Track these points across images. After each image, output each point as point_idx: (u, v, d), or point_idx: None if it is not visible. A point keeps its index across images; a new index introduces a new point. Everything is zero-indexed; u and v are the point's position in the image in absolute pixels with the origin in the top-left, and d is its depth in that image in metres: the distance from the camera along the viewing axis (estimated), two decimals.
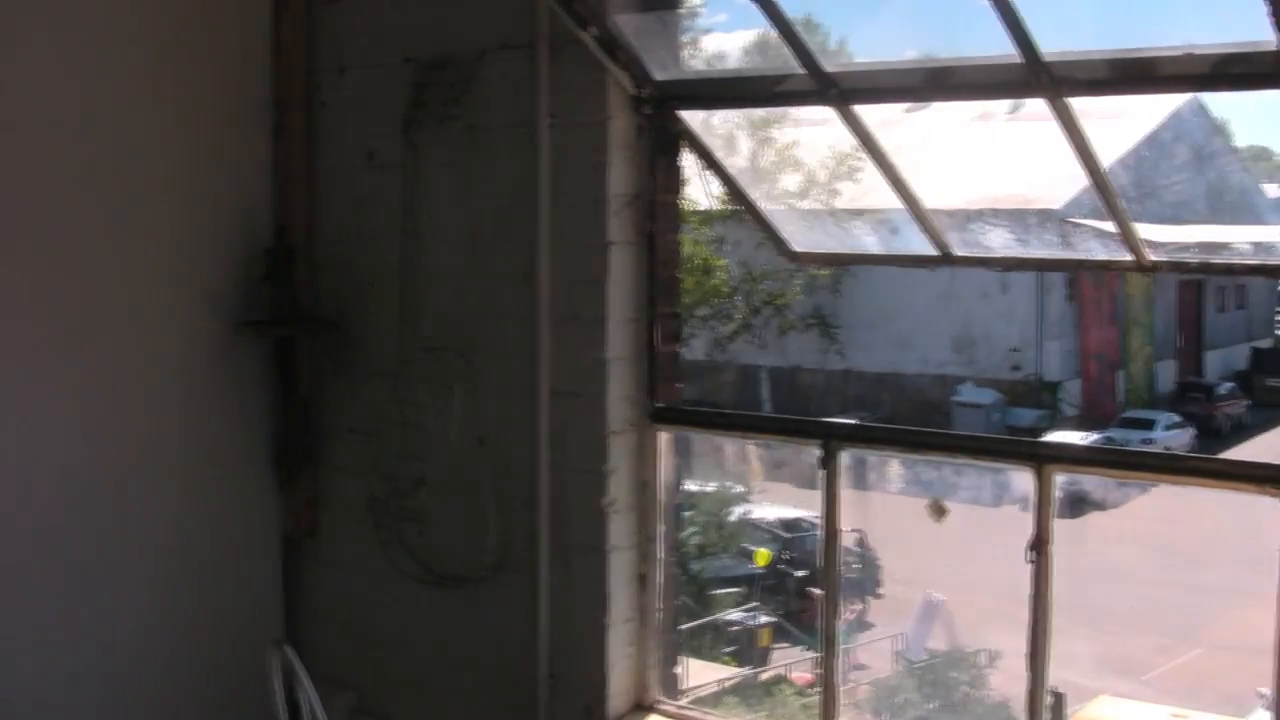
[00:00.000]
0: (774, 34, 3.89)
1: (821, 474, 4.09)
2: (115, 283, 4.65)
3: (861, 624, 12.03)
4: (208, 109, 4.83)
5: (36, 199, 4.44)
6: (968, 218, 4.20)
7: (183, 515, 4.83)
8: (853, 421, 4.38)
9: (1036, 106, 3.57)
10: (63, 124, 4.49)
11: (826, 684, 4.16)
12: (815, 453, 4.10)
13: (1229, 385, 26.10)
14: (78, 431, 4.59)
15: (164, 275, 4.74)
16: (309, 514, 5.06)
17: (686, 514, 8.85)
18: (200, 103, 4.81)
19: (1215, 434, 23.66)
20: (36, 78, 4.43)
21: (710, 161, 4.37)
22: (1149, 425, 23.20)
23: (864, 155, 4.07)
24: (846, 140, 4.08)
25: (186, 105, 4.77)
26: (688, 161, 4.47)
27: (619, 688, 4.35)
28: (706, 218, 10.87)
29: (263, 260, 4.88)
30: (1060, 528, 3.79)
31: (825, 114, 4.10)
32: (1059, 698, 3.80)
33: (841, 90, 3.88)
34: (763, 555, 10.04)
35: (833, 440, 4.09)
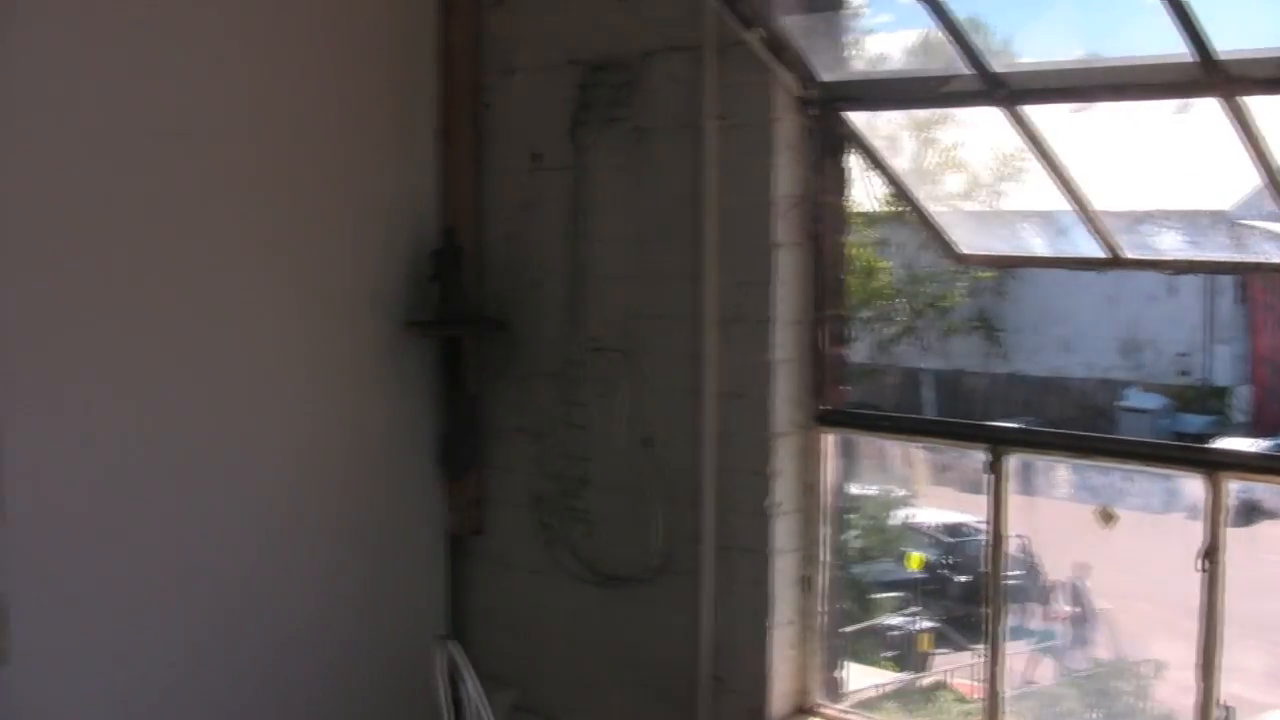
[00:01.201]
0: (937, 34, 3.85)
1: (988, 478, 4.05)
2: (288, 284, 4.78)
3: (1025, 630, 11.91)
4: (377, 112, 4.94)
5: (212, 201, 4.59)
6: (1137, 219, 4.13)
7: (352, 512, 4.95)
8: (1019, 425, 4.33)
9: (1205, 105, 3.49)
10: (238, 128, 4.63)
11: (990, 691, 4.11)
12: (981, 457, 4.07)
13: None
14: (251, 431, 4.72)
15: (334, 276, 4.85)
16: (475, 513, 5.14)
17: (848, 517, 8.80)
18: (370, 106, 4.91)
19: None
20: (212, 84, 4.58)
21: (875, 162, 4.35)
22: None
23: (1029, 156, 4.02)
24: (1010, 140, 4.03)
25: (357, 109, 4.88)
26: (851, 163, 4.43)
27: (781, 690, 4.36)
28: (870, 219, 10.82)
29: (431, 261, 4.96)
30: (1231, 536, 3.69)
31: (989, 114, 4.04)
32: (1229, 711, 3.71)
33: (1010, 91, 3.85)
34: (915, 559, 9.97)
35: (1000, 445, 4.06)
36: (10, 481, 4.11)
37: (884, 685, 4.75)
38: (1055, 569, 12.88)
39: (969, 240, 4.37)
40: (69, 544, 4.30)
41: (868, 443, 4.56)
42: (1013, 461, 4.09)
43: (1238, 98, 3.46)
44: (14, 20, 4.10)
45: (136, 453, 4.46)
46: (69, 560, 4.30)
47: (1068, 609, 11.82)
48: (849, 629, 4.59)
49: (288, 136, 4.73)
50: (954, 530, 11.02)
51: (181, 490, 4.54)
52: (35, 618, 4.20)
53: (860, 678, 4.63)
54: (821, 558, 4.37)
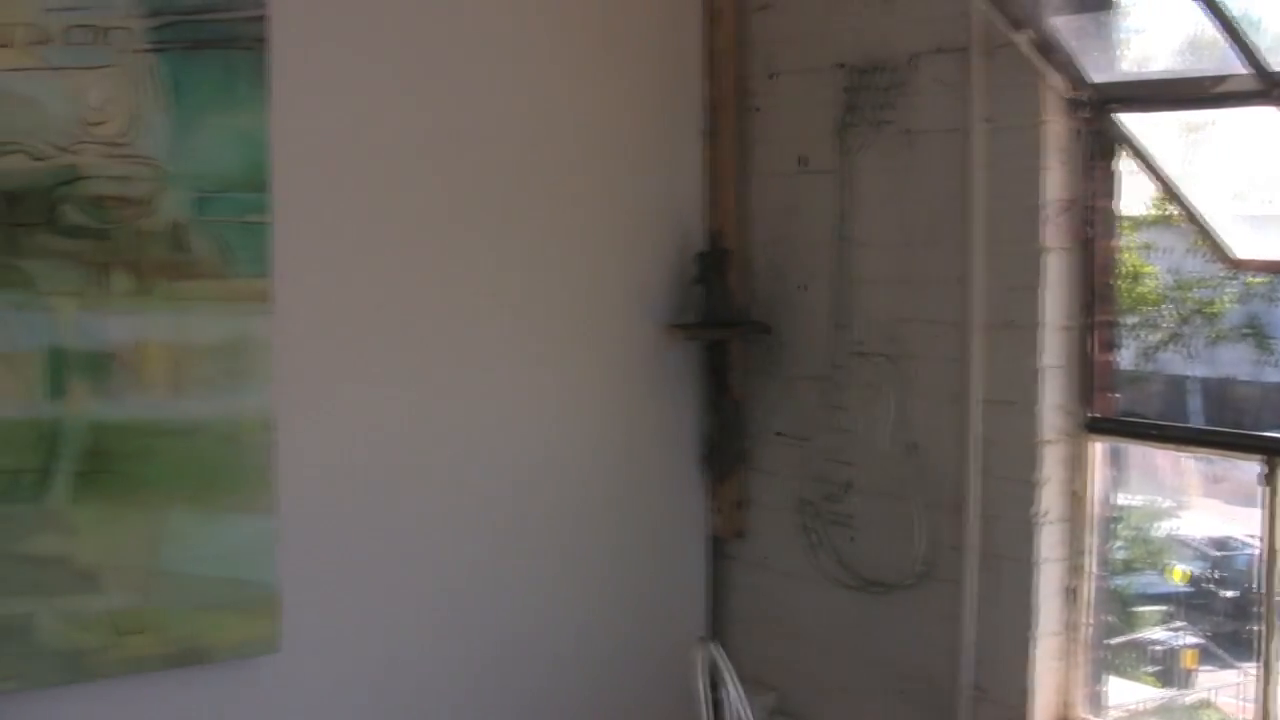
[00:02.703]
0: (1207, 32, 3.75)
1: (1263, 491, 3.94)
2: (556, 286, 4.94)
3: None
4: (645, 116, 5.05)
5: (485, 204, 4.79)
6: None
7: (616, 513, 5.10)
8: None
9: None
10: (511, 133, 4.82)
11: (1261, 712, 3.99)
12: (1255, 469, 3.95)
13: None
14: (515, 431, 4.88)
15: (600, 278, 4.99)
16: (738, 515, 5.18)
17: (1113, 527, 8.60)
18: (637, 110, 5.03)
19: None
20: (487, 90, 4.77)
21: (1146, 165, 4.26)
22: None
23: None
24: None
25: (625, 113, 5.00)
26: (1120, 166, 4.35)
27: (1044, 702, 4.32)
28: (1135, 223, 10.53)
29: (696, 264, 5.01)
30: None
31: (1266, 114, 3.92)
32: None
33: None
34: (1179, 573, 9.66)
35: (1277, 456, 3.93)
36: (284, 476, 4.32)
37: (1146, 701, 4.63)
38: None
39: (1244, 244, 4.26)
40: (335, 537, 4.52)
41: (1134, 451, 4.46)
42: None
43: None
44: (302, 34, 4.33)
45: (403, 450, 4.66)
46: (335, 553, 4.53)
47: None
48: (1112, 642, 4.51)
49: (558, 140, 4.90)
50: (1222, 544, 10.65)
51: (447, 490, 4.74)
52: (303, 608, 4.40)
53: (1122, 693, 4.53)
54: (1088, 568, 4.32)
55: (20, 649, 3.97)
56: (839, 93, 4.67)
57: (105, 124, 3.99)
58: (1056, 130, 4.22)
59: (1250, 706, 4.09)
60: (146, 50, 4.03)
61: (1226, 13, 3.70)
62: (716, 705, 4.14)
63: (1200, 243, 4.37)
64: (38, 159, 3.90)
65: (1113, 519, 4.43)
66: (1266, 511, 3.99)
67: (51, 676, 4.03)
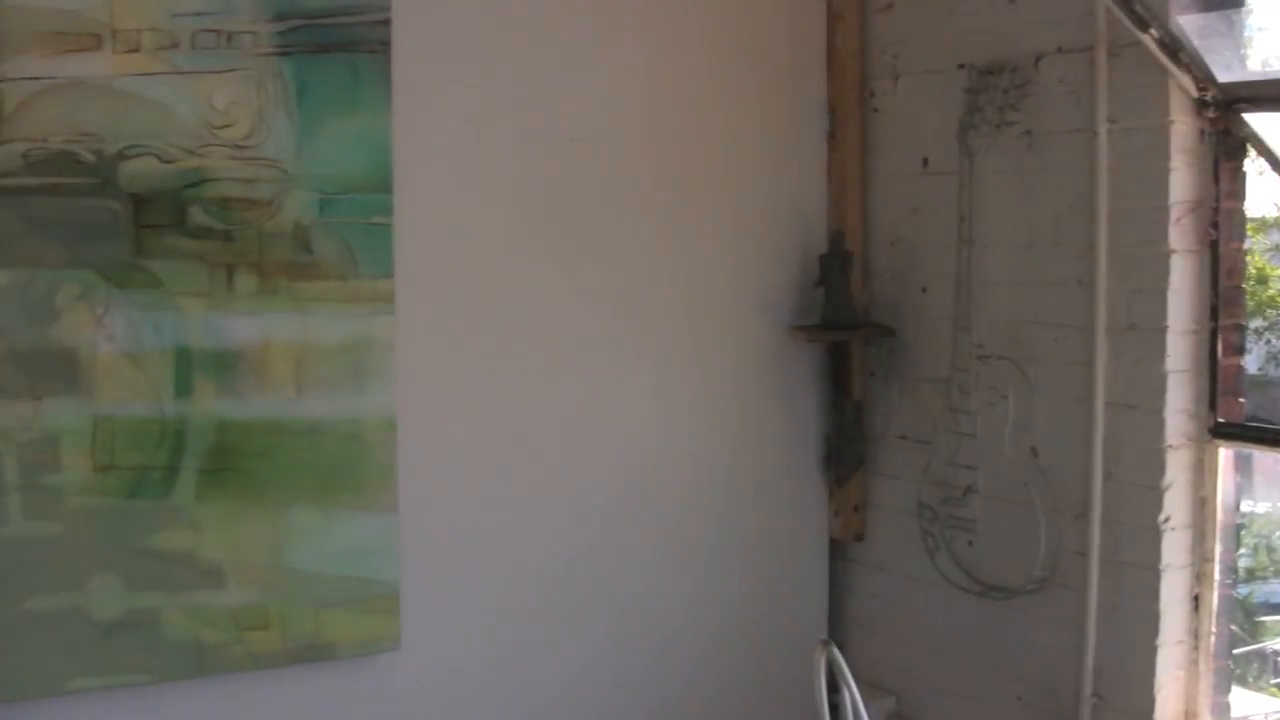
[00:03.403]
0: None
1: None
2: (677, 286, 4.98)
3: None
4: (766, 118, 5.06)
5: (606, 205, 4.84)
6: None
7: (735, 515, 5.12)
8: None
9: None
10: (633, 134, 4.87)
11: None
12: None
13: None
14: (635, 432, 4.92)
15: (722, 279, 5.00)
16: (857, 518, 5.16)
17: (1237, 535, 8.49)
18: (759, 111, 5.04)
19: None
20: (608, 91, 4.83)
21: (1274, 165, 4.18)
22: None
23: None
24: None
25: (746, 114, 5.02)
26: (1248, 167, 4.28)
27: (1166, 712, 4.28)
28: (1261, 225, 10.37)
29: (817, 265, 4.99)
30: None
31: None
32: None
33: None
34: None
35: None
36: (404, 475, 4.39)
37: (1272, 713, 4.55)
38: None
39: None
40: (454, 536, 4.60)
41: (1260, 457, 4.38)
42: None
43: None
44: (425, 37, 4.41)
45: (521, 450, 4.72)
46: (454, 551, 4.60)
47: None
48: (1236, 651, 4.43)
49: (681, 143, 4.94)
50: None
51: (565, 489, 4.80)
52: (423, 606, 4.48)
53: (1247, 703, 4.45)
54: (1213, 576, 4.27)
55: (147, 643, 4.08)
56: (961, 94, 4.63)
57: (231, 127, 4.07)
58: (1182, 131, 4.17)
59: None
60: (272, 54, 4.10)
61: None
62: (834, 709, 4.12)
63: None
64: (166, 162, 3.99)
65: (1238, 526, 4.36)
66: None
67: (177, 670, 4.13)
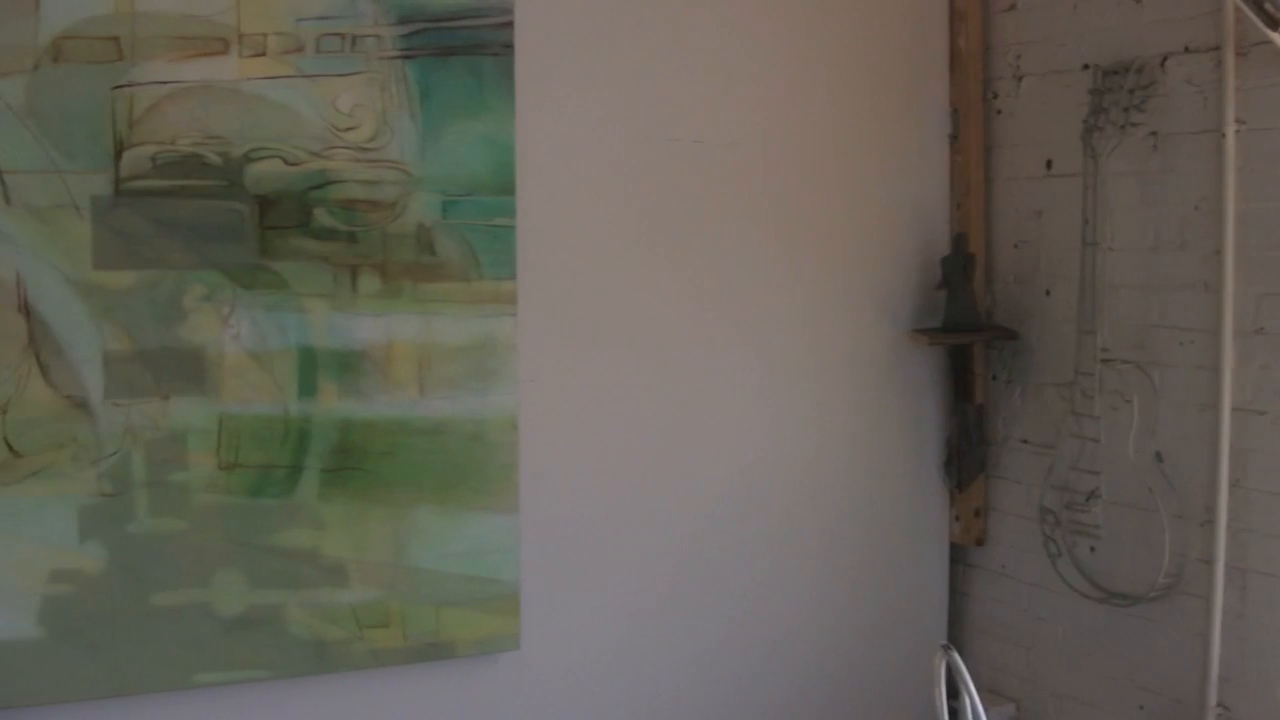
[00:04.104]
0: None
1: None
2: (797, 288, 4.98)
3: None
4: (888, 119, 5.06)
5: (725, 207, 4.84)
6: None
7: (855, 518, 5.13)
8: None
9: None
10: (752, 136, 4.86)
11: None
12: None
13: None
14: (755, 434, 4.92)
15: (843, 281, 5.01)
16: (978, 523, 5.13)
17: None
18: (881, 113, 5.04)
19: None
20: (728, 94, 4.83)
21: None
22: None
23: None
24: None
25: (868, 116, 5.03)
26: None
27: None
28: None
29: (939, 268, 4.95)
30: None
31: None
32: None
33: None
34: None
35: None
36: (526, 476, 4.44)
37: None
38: None
39: None
40: (573, 536, 4.64)
41: None
42: None
43: None
44: (548, 39, 4.46)
45: (640, 452, 4.75)
46: (572, 551, 4.64)
47: None
48: None
49: (802, 144, 4.95)
50: None
51: (684, 492, 4.83)
52: (542, 605, 4.53)
53: None
54: None
55: (270, 639, 4.15)
56: (1085, 94, 4.59)
57: (355, 129, 4.12)
58: None
59: None
60: (396, 57, 4.15)
61: None
62: (954, 715, 4.08)
63: None
64: (291, 164, 4.04)
65: None
66: None
67: (299, 667, 4.20)
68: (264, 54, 4.02)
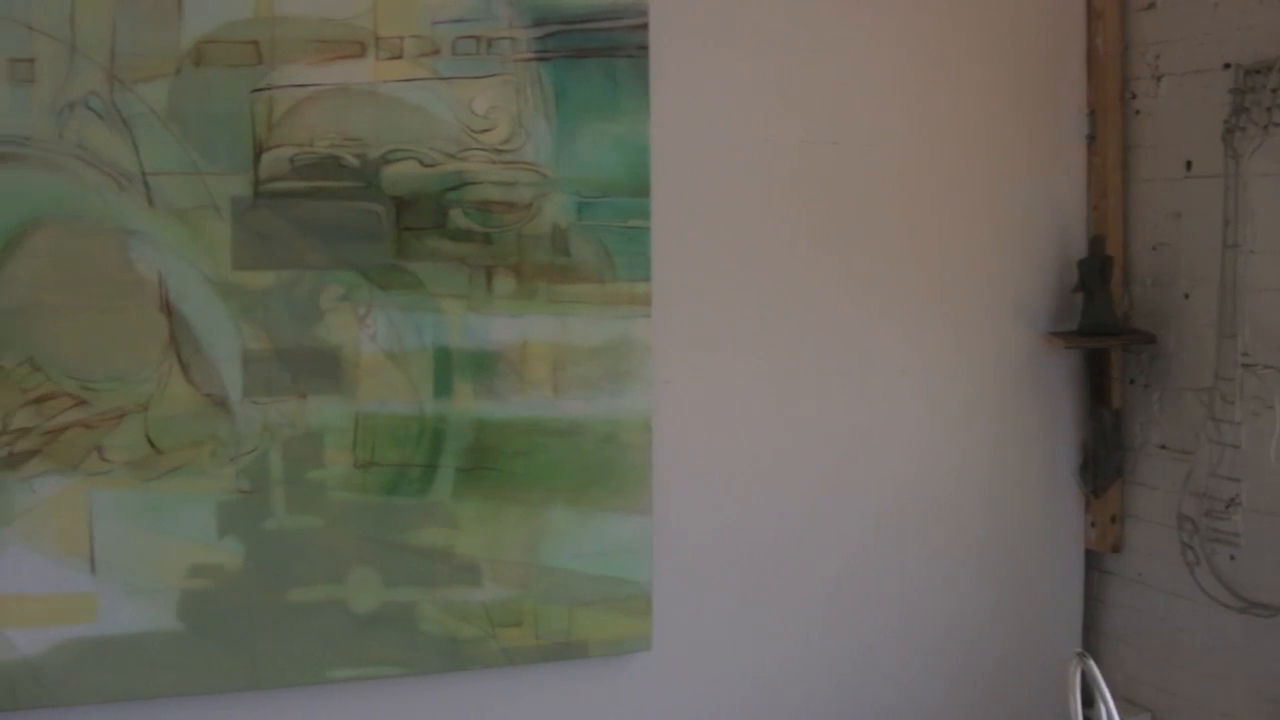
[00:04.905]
0: None
1: None
2: (930, 290, 4.95)
3: None
4: (1024, 120, 5.03)
5: (859, 209, 4.82)
6: None
7: (989, 521, 5.10)
8: None
9: None
10: (887, 138, 4.84)
11: None
12: None
13: None
14: (888, 438, 4.91)
15: (979, 284, 4.97)
16: (1115, 529, 5.06)
17: None
18: (1017, 114, 5.01)
19: None
20: (862, 95, 4.81)
21: None
22: None
23: None
24: None
25: (1004, 117, 5.00)
26: None
27: None
28: None
29: (1076, 271, 4.89)
30: None
31: None
32: None
33: None
34: None
35: None
36: (659, 478, 4.45)
37: None
38: None
39: None
40: (705, 538, 4.64)
41: None
42: None
43: None
44: (681, 41, 4.47)
45: (772, 455, 4.74)
46: (704, 553, 4.64)
47: None
48: None
49: (936, 144, 4.93)
50: None
51: (816, 496, 4.82)
52: (674, 607, 4.54)
53: None
54: None
55: (404, 636, 4.21)
56: (1226, 94, 4.51)
57: (491, 131, 4.15)
58: None
59: None
60: (530, 59, 4.18)
61: None
62: None
63: None
64: (427, 166, 4.07)
65: None
66: None
67: (432, 664, 4.26)
68: (400, 57, 4.06)
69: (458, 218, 4.13)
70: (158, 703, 4.04)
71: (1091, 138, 5.10)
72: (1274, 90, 4.41)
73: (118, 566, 3.94)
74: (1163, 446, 4.97)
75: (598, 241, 4.26)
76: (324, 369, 4.07)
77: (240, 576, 4.03)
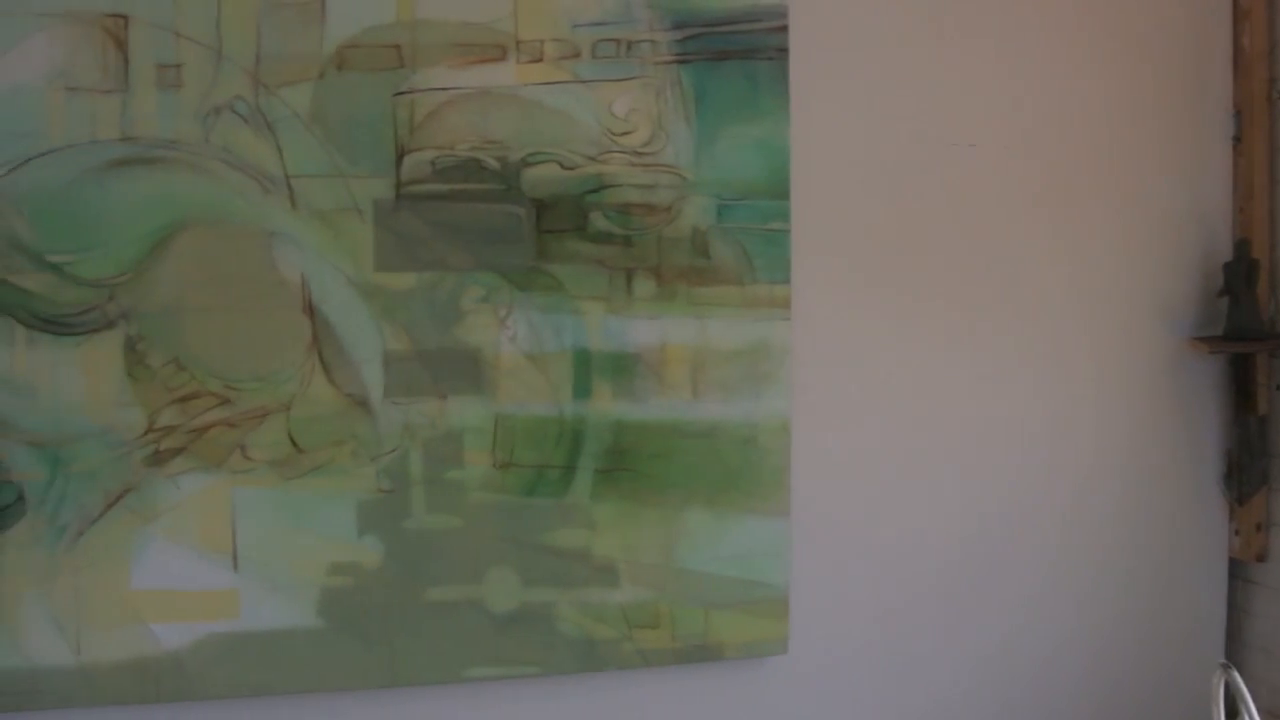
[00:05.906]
0: None
1: None
2: (1071, 293, 4.88)
3: None
4: (1167, 121, 4.95)
5: (997, 211, 4.76)
6: None
7: (1129, 527, 5.02)
8: None
9: None
10: (1026, 139, 4.79)
11: None
12: None
13: None
14: (1025, 442, 4.84)
15: (1119, 287, 4.90)
16: (1260, 538, 4.95)
17: None
18: (1160, 114, 4.93)
19: None
20: (1000, 96, 4.76)
21: None
22: None
23: None
24: None
25: (1147, 117, 4.93)
26: None
27: None
28: None
29: (1221, 274, 4.78)
30: None
31: None
32: None
33: None
34: None
35: None
36: (797, 481, 4.46)
37: None
38: None
39: None
40: (842, 541, 4.61)
41: None
42: None
43: None
44: (821, 43, 4.45)
45: (910, 460, 4.71)
46: (841, 557, 4.61)
47: None
48: None
49: (1076, 145, 4.87)
50: None
51: (953, 501, 4.77)
52: (810, 610, 4.53)
53: None
54: None
55: (541, 636, 4.24)
56: None
57: (631, 134, 4.15)
58: None
59: None
60: (670, 62, 4.17)
61: None
62: None
63: None
64: (568, 168, 4.07)
65: None
66: None
67: (568, 664, 4.28)
68: (541, 60, 4.08)
69: (598, 220, 4.15)
70: (297, 698, 4.11)
71: (1237, 139, 5.01)
72: None
73: (259, 564, 4.02)
74: None
75: (737, 244, 4.26)
76: (464, 370, 4.11)
77: (380, 575, 4.08)
